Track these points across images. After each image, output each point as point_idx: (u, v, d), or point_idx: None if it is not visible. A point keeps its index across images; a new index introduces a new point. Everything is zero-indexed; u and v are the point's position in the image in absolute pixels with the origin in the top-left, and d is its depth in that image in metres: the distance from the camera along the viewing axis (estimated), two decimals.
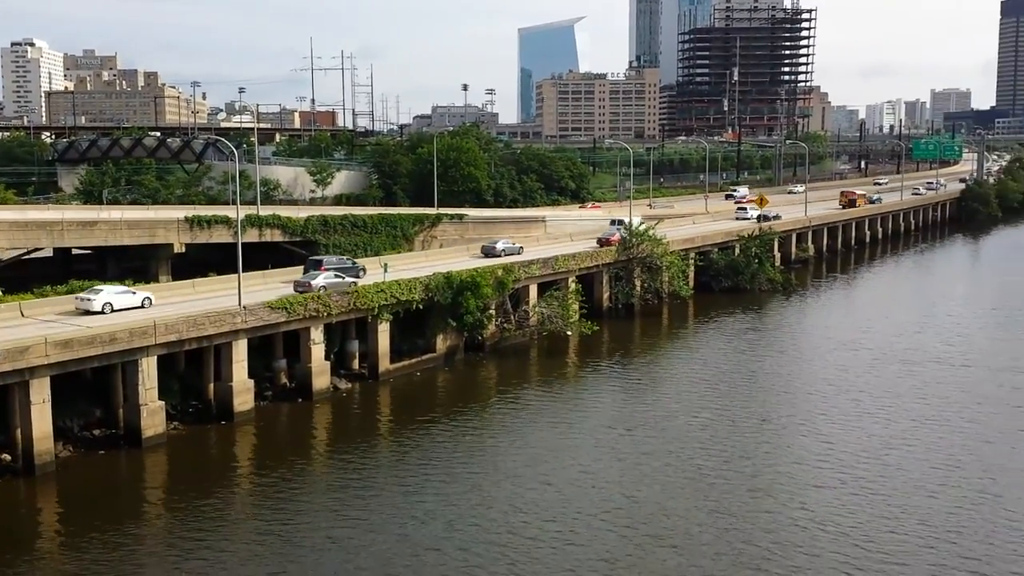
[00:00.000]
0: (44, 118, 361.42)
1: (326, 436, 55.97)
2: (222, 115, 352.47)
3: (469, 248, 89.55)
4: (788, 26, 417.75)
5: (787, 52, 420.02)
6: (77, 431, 51.27)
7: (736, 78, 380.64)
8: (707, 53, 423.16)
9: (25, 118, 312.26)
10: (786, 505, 42.96)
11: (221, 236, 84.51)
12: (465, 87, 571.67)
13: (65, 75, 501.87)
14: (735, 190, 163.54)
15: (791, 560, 37.42)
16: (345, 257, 78.09)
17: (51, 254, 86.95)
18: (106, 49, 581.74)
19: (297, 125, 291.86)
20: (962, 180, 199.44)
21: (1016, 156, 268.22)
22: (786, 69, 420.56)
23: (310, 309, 59.77)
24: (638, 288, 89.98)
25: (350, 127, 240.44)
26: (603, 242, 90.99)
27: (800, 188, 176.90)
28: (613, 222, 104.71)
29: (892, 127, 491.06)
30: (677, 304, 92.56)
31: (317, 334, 60.80)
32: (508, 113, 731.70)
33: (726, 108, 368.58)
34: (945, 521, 41.01)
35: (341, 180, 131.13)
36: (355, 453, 50.75)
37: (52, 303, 58.81)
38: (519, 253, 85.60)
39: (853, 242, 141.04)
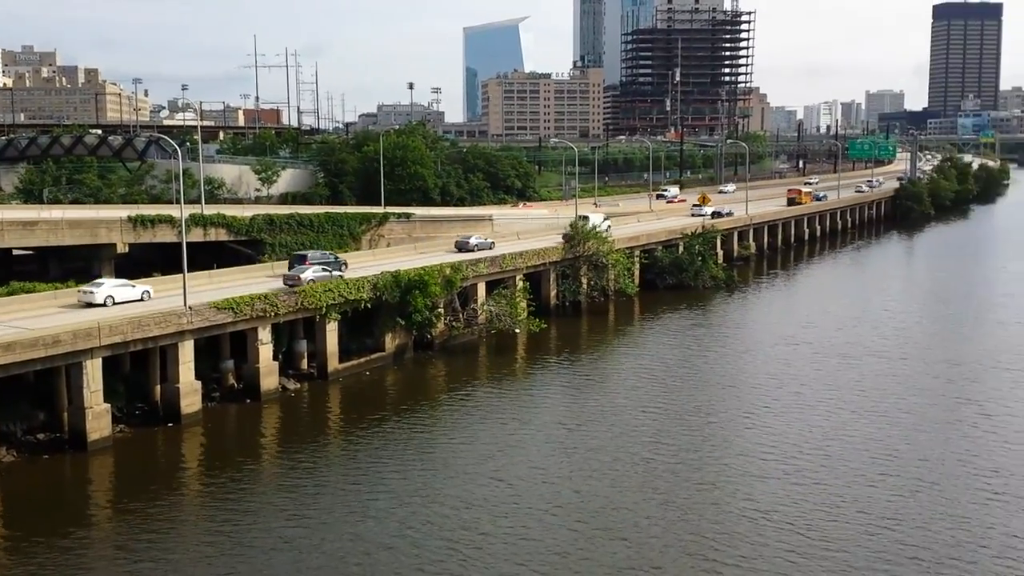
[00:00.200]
0: None
1: (275, 437, 55.63)
2: (165, 112, 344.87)
3: (438, 244, 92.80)
4: (728, 28, 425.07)
5: (727, 53, 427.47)
6: (20, 435, 50.35)
7: (678, 79, 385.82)
8: (650, 54, 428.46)
9: None
10: (732, 496, 43.98)
11: (165, 236, 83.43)
12: (411, 86, 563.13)
13: (3, 71, 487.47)
14: (666, 190, 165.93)
15: (738, 550, 38.36)
16: (327, 252, 79.40)
17: None
18: (45, 45, 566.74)
19: (241, 123, 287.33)
20: (899, 179, 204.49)
21: (947, 156, 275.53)
22: (726, 70, 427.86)
23: (257, 309, 59.38)
24: (585, 286, 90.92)
25: (295, 125, 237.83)
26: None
27: (731, 187, 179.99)
28: (581, 218, 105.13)
29: (829, 127, 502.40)
30: (623, 301, 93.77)
31: (265, 334, 60.43)
32: (454, 112, 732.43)
33: (668, 108, 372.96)
34: (884, 509, 42.33)
35: (287, 178, 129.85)
36: (305, 453, 50.59)
37: None
38: (491, 248, 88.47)
39: (793, 239, 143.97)
